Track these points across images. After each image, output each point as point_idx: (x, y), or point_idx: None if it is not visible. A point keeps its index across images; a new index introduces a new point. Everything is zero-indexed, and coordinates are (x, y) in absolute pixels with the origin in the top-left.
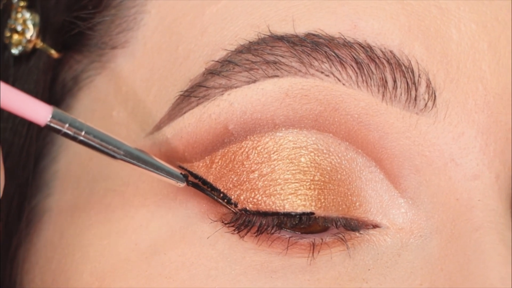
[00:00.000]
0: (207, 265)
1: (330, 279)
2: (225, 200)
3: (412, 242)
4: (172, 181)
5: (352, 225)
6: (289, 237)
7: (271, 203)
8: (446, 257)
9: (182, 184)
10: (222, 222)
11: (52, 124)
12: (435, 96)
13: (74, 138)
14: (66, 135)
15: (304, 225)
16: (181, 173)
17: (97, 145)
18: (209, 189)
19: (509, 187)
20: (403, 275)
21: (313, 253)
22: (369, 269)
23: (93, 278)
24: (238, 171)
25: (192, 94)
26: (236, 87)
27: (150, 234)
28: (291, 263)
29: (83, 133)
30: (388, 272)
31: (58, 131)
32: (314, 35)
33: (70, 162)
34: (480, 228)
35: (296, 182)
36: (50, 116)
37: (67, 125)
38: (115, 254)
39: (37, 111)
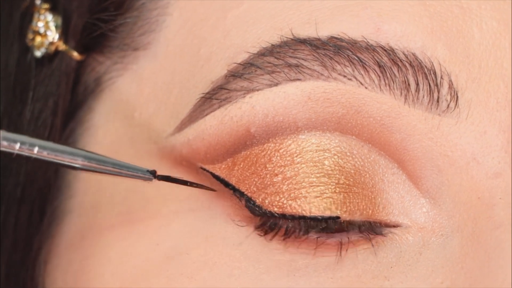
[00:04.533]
0: (230, 264)
1: (353, 277)
2: (251, 203)
3: (434, 241)
4: (141, 179)
5: (375, 229)
6: (317, 238)
7: (297, 206)
8: (466, 255)
9: (152, 180)
10: (253, 226)
11: (2, 148)
12: (457, 97)
13: (28, 158)
14: (19, 156)
15: (330, 230)
16: (147, 170)
17: (53, 159)
18: (182, 179)
19: None
20: (425, 273)
21: (340, 251)
22: (391, 267)
23: (114, 279)
24: (261, 173)
25: (214, 97)
26: (258, 90)
27: (172, 234)
28: (315, 262)
29: (36, 149)
30: (410, 270)
31: (10, 154)
32: (336, 38)
33: None
34: (500, 226)
35: (321, 185)
36: None
37: (18, 145)
38: (136, 255)
39: None
